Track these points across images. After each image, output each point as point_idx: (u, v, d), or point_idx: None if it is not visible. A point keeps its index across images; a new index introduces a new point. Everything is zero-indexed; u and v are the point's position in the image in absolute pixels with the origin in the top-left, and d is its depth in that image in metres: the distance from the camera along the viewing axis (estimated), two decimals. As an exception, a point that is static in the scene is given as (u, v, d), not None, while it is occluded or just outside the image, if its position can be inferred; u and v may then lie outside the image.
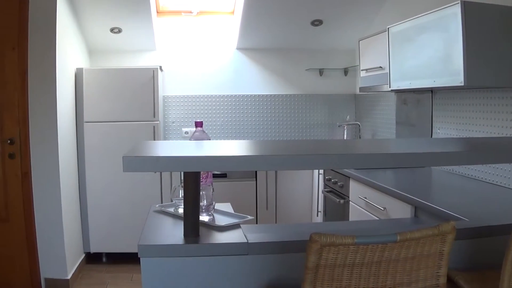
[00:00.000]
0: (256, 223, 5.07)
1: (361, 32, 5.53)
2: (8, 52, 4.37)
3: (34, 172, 4.49)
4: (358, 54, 5.00)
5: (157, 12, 5.54)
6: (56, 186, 4.51)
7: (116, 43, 5.70)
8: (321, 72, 6.03)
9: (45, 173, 4.50)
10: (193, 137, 2.54)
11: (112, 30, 5.41)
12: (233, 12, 5.63)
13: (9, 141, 4.38)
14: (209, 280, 2.10)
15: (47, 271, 4.57)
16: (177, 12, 5.62)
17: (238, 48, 5.94)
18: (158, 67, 5.20)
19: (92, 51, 5.80)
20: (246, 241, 2.13)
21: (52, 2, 4.41)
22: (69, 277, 4.60)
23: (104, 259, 5.33)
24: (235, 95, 5.96)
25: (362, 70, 4.89)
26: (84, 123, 5.11)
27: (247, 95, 5.97)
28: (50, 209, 4.52)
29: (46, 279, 4.57)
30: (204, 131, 2.57)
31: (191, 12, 5.56)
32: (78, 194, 5.17)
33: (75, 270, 4.81)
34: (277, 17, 5.37)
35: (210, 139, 2.57)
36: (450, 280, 1.92)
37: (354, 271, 1.62)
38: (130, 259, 5.02)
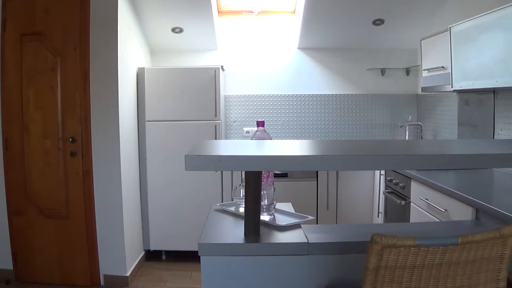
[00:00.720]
0: (317, 223, 5.07)
1: (422, 31, 5.42)
2: (70, 52, 4.54)
3: (95, 170, 4.63)
4: (420, 53, 4.95)
5: (218, 12, 5.59)
6: (117, 184, 4.64)
7: (177, 43, 5.79)
8: (383, 71, 5.97)
9: (107, 172, 4.63)
10: (255, 137, 2.58)
11: (173, 30, 5.50)
12: (294, 12, 5.65)
13: (70, 140, 4.55)
14: (268, 279, 2.13)
15: (106, 267, 4.73)
16: (238, 12, 5.68)
17: (299, 48, 5.94)
18: (220, 67, 5.25)
19: (153, 51, 5.92)
20: (306, 241, 2.14)
21: (113, 2, 4.54)
22: (128, 274, 4.74)
23: (163, 257, 5.45)
24: (296, 95, 5.97)
25: (424, 70, 4.83)
26: (146, 122, 5.23)
27: (308, 94, 5.97)
28: (111, 207, 4.66)
29: (106, 276, 4.73)
30: (265, 131, 2.61)
31: (252, 12, 5.61)
32: (139, 192, 5.29)
33: (135, 267, 4.95)
34: (338, 17, 5.35)
35: (271, 139, 2.60)
36: (510, 284, 1.89)
37: (414, 273, 1.62)
38: (189, 257, 5.19)
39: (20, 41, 4.63)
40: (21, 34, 4.63)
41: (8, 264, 4.88)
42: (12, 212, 4.79)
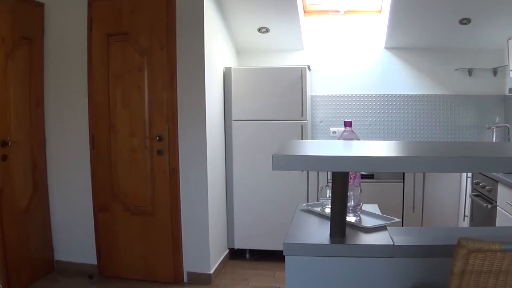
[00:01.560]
0: (402, 225, 5.03)
1: (510, 30, 5.36)
2: (157, 52, 4.70)
3: (181, 169, 4.80)
4: (507, 53, 4.86)
5: (304, 11, 5.64)
6: (203, 183, 4.79)
7: (264, 43, 5.90)
8: (470, 72, 5.88)
9: (193, 170, 4.79)
10: (342, 137, 2.60)
11: (259, 30, 5.60)
12: (380, 11, 5.65)
13: (157, 138, 4.73)
14: (352, 281, 2.16)
15: (190, 265, 4.88)
16: (324, 12, 5.72)
17: (386, 48, 5.94)
18: (306, 67, 5.30)
19: (239, 51, 6.04)
20: (392, 243, 2.16)
21: (199, 2, 4.67)
22: (211, 271, 4.87)
23: (247, 256, 5.58)
24: (383, 95, 5.97)
25: (511, 70, 4.75)
26: (233, 122, 5.37)
27: (395, 95, 5.95)
28: (196, 205, 4.81)
29: (189, 273, 4.88)
30: (353, 131, 2.63)
31: (338, 12, 5.64)
32: (224, 191, 5.43)
33: (218, 265, 5.08)
34: (425, 16, 5.32)
35: (359, 139, 2.63)
36: None
37: (499, 278, 1.61)
38: (273, 256, 5.28)
39: (107, 41, 4.83)
40: (108, 34, 4.83)
41: (92, 259, 5.12)
42: (98, 208, 5.01)
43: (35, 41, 5.00)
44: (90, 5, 4.90)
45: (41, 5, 5.07)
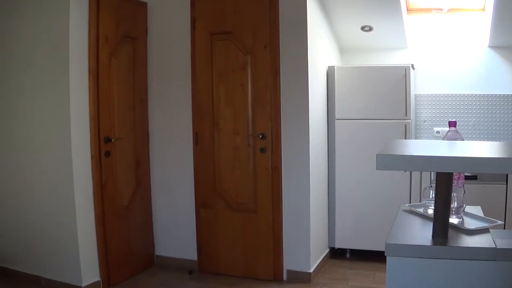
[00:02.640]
0: (504, 228, 5.04)
1: None
2: (260, 50, 5.01)
3: (284, 167, 5.09)
4: None
5: (407, 9, 5.79)
6: (306, 181, 5.06)
7: (367, 41, 6.11)
8: None
9: (295, 168, 5.06)
10: (446, 137, 2.72)
11: (363, 28, 5.81)
12: (483, 9, 5.73)
13: (261, 136, 5.05)
14: (453, 283, 2.24)
15: (290, 263, 5.17)
16: (427, 10, 5.87)
17: (489, 46, 6.05)
18: (410, 65, 5.49)
19: (343, 49, 6.28)
20: (494, 246, 2.22)
21: (302, 1, 4.94)
22: (311, 270, 5.13)
23: (347, 255, 5.82)
24: (487, 95, 6.08)
25: None
26: (336, 120, 5.61)
27: (500, 94, 6.04)
28: (298, 203, 5.08)
29: (289, 271, 5.17)
30: (457, 131, 2.75)
31: (441, 10, 5.77)
32: (326, 189, 5.68)
33: (318, 264, 5.32)
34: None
35: (463, 140, 2.73)
36: None
37: None
38: (374, 256, 5.49)
39: (210, 40, 5.19)
40: (211, 33, 5.17)
41: (192, 255, 5.51)
42: (200, 205, 5.37)
43: (139, 40, 5.41)
44: (193, 4, 5.25)
45: (144, 5, 5.46)
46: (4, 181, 5.45)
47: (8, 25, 5.23)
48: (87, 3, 4.86)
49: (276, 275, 5.24)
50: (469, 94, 6.16)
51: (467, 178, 5.16)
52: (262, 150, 5.13)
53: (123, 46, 5.26)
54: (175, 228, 5.67)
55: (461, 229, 2.53)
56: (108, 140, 5.06)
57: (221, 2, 5.19)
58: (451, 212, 2.59)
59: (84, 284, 4.93)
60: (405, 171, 5.34)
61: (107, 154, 5.06)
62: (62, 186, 4.93)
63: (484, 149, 2.55)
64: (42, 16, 4.95)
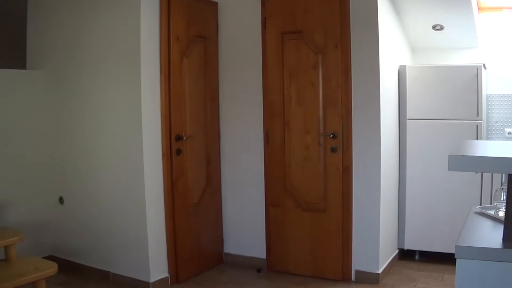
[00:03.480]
0: None
1: None
2: (331, 50, 5.08)
3: (355, 166, 5.14)
4: None
5: (478, 8, 5.79)
6: (376, 181, 5.09)
7: (438, 41, 6.09)
8: None
9: (366, 168, 5.11)
10: None
11: (434, 27, 5.80)
12: None
13: (331, 135, 5.11)
14: None
15: (358, 263, 5.22)
16: (498, 8, 5.87)
17: None
18: (482, 65, 5.47)
19: (414, 48, 6.30)
20: None
21: (372, 0, 5.00)
22: (380, 271, 5.16)
23: (416, 257, 5.82)
24: None
25: None
26: (407, 120, 5.64)
27: None
28: (368, 203, 5.12)
29: (357, 271, 5.22)
30: None
31: None
32: (397, 190, 5.70)
33: (387, 265, 5.36)
34: None
35: None
36: None
37: None
38: (443, 259, 5.46)
39: (281, 39, 5.30)
40: (282, 33, 5.28)
41: (261, 253, 5.62)
42: (270, 203, 5.48)
43: (210, 39, 5.56)
44: (263, 4, 5.38)
45: (215, 4, 5.61)
46: (76, 178, 5.71)
47: (82, 25, 5.48)
48: (158, 4, 5.05)
49: (344, 275, 5.30)
50: (541, 95, 5.97)
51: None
52: (333, 150, 5.21)
53: (194, 46, 5.42)
54: (244, 226, 5.80)
55: (531, 232, 2.50)
56: (179, 138, 5.23)
57: (291, 2, 5.29)
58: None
59: (152, 280, 5.11)
60: (476, 173, 5.33)
61: (178, 152, 5.23)
62: (133, 183, 5.12)
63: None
64: (114, 17, 5.18)
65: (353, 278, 5.30)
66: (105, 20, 5.25)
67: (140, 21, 4.94)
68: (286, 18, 5.31)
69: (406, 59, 6.10)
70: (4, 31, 6.29)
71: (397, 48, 5.75)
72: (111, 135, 5.28)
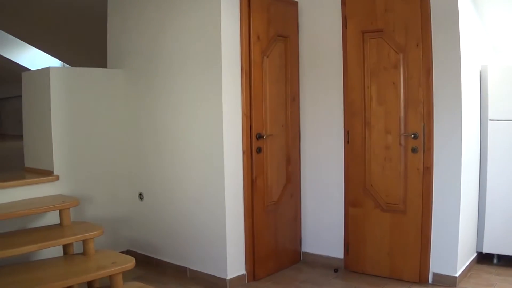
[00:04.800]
0: None
1: None
2: (412, 48, 5.12)
3: (436, 167, 5.14)
4: None
5: None
6: (457, 183, 5.08)
7: None
8: None
9: (447, 169, 5.11)
10: None
11: None
12: None
13: (412, 136, 5.15)
14: None
15: (436, 265, 5.22)
16: None
17: None
18: None
19: (496, 47, 6.27)
20: None
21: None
22: (457, 274, 5.15)
23: (494, 261, 5.80)
24: None
25: None
26: (488, 121, 5.62)
27: None
28: (448, 205, 5.12)
29: (434, 274, 5.22)
30: None
31: None
32: (477, 192, 5.70)
33: (465, 269, 5.34)
34: None
35: None
36: None
37: None
38: None
39: (362, 38, 5.37)
40: (362, 31, 5.35)
41: (338, 253, 5.72)
42: (349, 203, 5.55)
43: (290, 38, 5.69)
44: (343, 3, 5.47)
45: (295, 4, 5.75)
46: (155, 174, 5.95)
47: (161, 26, 5.74)
48: (238, 3, 5.23)
49: (422, 277, 5.31)
50: None
51: None
52: (414, 150, 5.24)
53: (275, 45, 5.56)
54: (322, 226, 5.91)
55: None
56: (260, 136, 5.38)
57: (372, 0, 5.36)
58: None
59: (229, 276, 5.27)
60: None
61: (259, 150, 5.38)
62: (213, 180, 5.30)
63: None
64: (194, 17, 5.38)
65: (430, 280, 5.30)
66: (185, 20, 5.47)
67: (220, 21, 5.11)
68: (367, 16, 5.38)
69: (488, 58, 6.07)
70: (87, 33, 6.55)
71: (479, 47, 5.73)
72: (192, 133, 5.48)
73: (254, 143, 5.33)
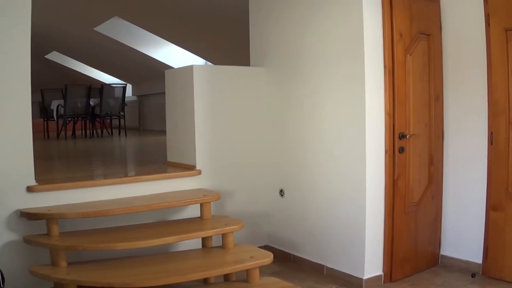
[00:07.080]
0: None
1: None
2: None
3: None
4: None
5: None
6: None
7: None
8: None
9: None
10: None
11: None
12: None
13: None
14: None
15: None
16: None
17: None
18: None
19: None
20: None
21: None
22: None
23: None
24: None
25: None
26: None
27: None
28: None
29: None
30: None
31: None
32: None
33: None
34: None
35: None
36: None
37: None
38: None
39: (505, 36, 5.25)
40: (505, 29, 5.24)
41: (477, 258, 5.60)
42: (491, 207, 5.44)
43: (433, 36, 5.68)
44: (486, 0, 5.37)
45: (437, 1, 5.74)
46: (297, 172, 6.08)
47: (303, 25, 5.88)
48: (380, 1, 5.28)
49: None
50: None
51: None
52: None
53: (418, 43, 5.56)
54: (462, 229, 5.82)
55: None
56: (402, 136, 5.39)
57: (514, -4, 5.25)
58: None
59: (366, 276, 5.31)
60: None
61: (401, 150, 5.40)
62: (354, 178, 5.37)
63: None
64: (336, 16, 5.47)
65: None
66: (327, 19, 5.56)
67: (362, 19, 5.16)
68: (510, 14, 5.24)
69: None
70: (230, 32, 6.72)
71: None
72: (333, 132, 5.58)
73: (397, 142, 5.34)
